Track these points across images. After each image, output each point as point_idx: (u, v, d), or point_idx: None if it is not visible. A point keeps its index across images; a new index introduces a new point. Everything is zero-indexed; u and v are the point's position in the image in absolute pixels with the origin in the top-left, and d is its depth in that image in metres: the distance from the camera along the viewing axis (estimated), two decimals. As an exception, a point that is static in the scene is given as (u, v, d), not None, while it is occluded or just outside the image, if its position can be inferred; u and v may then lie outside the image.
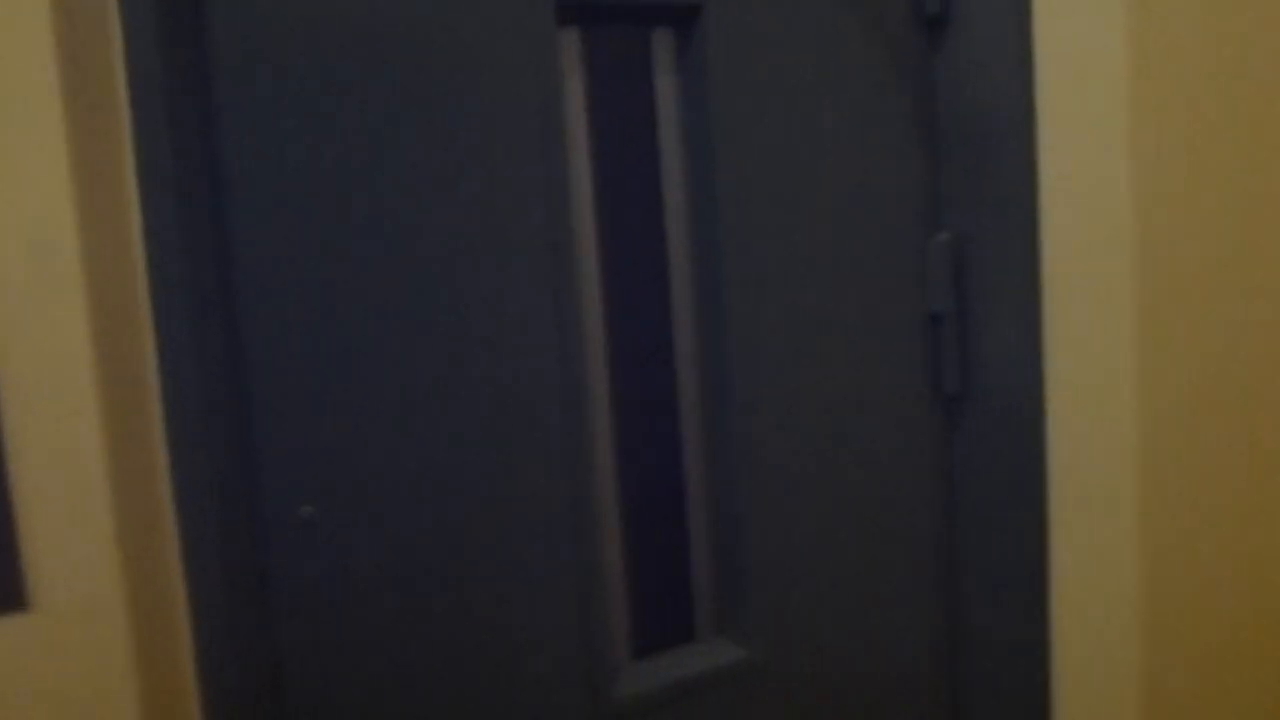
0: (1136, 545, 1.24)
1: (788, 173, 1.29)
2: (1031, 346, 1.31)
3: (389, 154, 1.06)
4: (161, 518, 0.93)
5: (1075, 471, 1.30)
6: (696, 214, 1.28)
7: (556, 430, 1.17)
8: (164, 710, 0.92)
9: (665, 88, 1.27)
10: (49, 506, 0.86)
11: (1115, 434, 1.24)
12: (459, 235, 1.10)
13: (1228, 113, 1.24)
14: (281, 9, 1.00)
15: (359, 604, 1.08)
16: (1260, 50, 1.25)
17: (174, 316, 0.93)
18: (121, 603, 0.88)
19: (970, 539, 1.44)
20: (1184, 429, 1.25)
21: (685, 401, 1.32)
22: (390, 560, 1.09)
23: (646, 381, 1.29)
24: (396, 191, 1.07)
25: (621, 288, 1.26)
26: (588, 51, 1.21)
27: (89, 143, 0.87)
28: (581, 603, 1.20)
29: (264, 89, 1.00)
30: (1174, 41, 1.19)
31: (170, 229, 0.92)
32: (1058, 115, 1.25)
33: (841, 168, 1.32)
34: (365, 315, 1.06)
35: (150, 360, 0.93)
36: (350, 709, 1.08)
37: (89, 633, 0.87)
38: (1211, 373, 1.27)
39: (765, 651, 1.32)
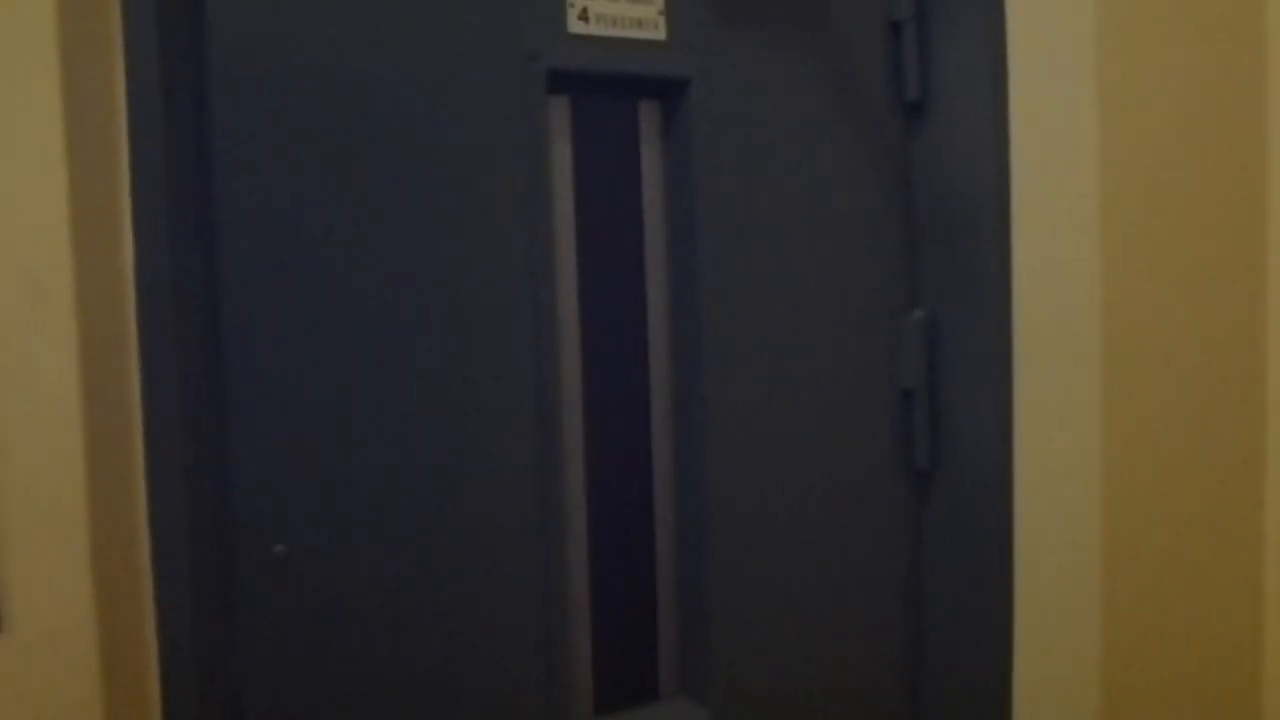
0: (1100, 625, 1.26)
1: (766, 246, 1.33)
2: (1001, 423, 1.34)
3: (379, 207, 1.11)
4: (137, 550, 0.95)
5: (1042, 549, 1.32)
6: (676, 280, 1.32)
7: (529, 484, 1.19)
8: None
9: (650, 156, 1.32)
10: (27, 533, 0.88)
11: (1081, 510, 1.27)
12: (444, 289, 1.14)
13: (1196, 199, 1.29)
14: (280, 67, 1.05)
15: (324, 641, 1.09)
16: (1228, 139, 1.30)
17: (159, 357, 0.96)
18: (93, 629, 0.90)
19: (937, 612, 1.45)
20: (1150, 506, 1.28)
21: (658, 462, 1.35)
22: (357, 601, 1.11)
23: (621, 440, 1.32)
24: (383, 243, 1.11)
25: (600, 348, 1.29)
26: (576, 119, 1.26)
27: (88, 188, 0.91)
28: (547, 656, 1.21)
29: (259, 141, 1.04)
30: (1145, 132, 1.24)
31: (160, 275, 0.96)
32: (1031, 199, 1.30)
33: (818, 243, 1.37)
34: (345, 367, 1.09)
35: (135, 397, 0.96)
36: (311, 750, 1.09)
37: (60, 656, 0.89)
38: (1178, 449, 1.30)
39: (728, 711, 1.33)
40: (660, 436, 1.35)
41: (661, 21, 1.25)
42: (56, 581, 0.89)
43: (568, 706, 1.24)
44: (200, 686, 0.99)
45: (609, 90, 1.28)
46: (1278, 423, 1.35)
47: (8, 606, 0.88)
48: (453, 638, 1.16)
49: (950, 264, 1.40)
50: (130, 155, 0.94)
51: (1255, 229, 1.32)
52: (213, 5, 1.02)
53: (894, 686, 1.46)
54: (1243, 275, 1.32)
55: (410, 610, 1.14)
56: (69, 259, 0.89)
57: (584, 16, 1.20)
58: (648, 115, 1.32)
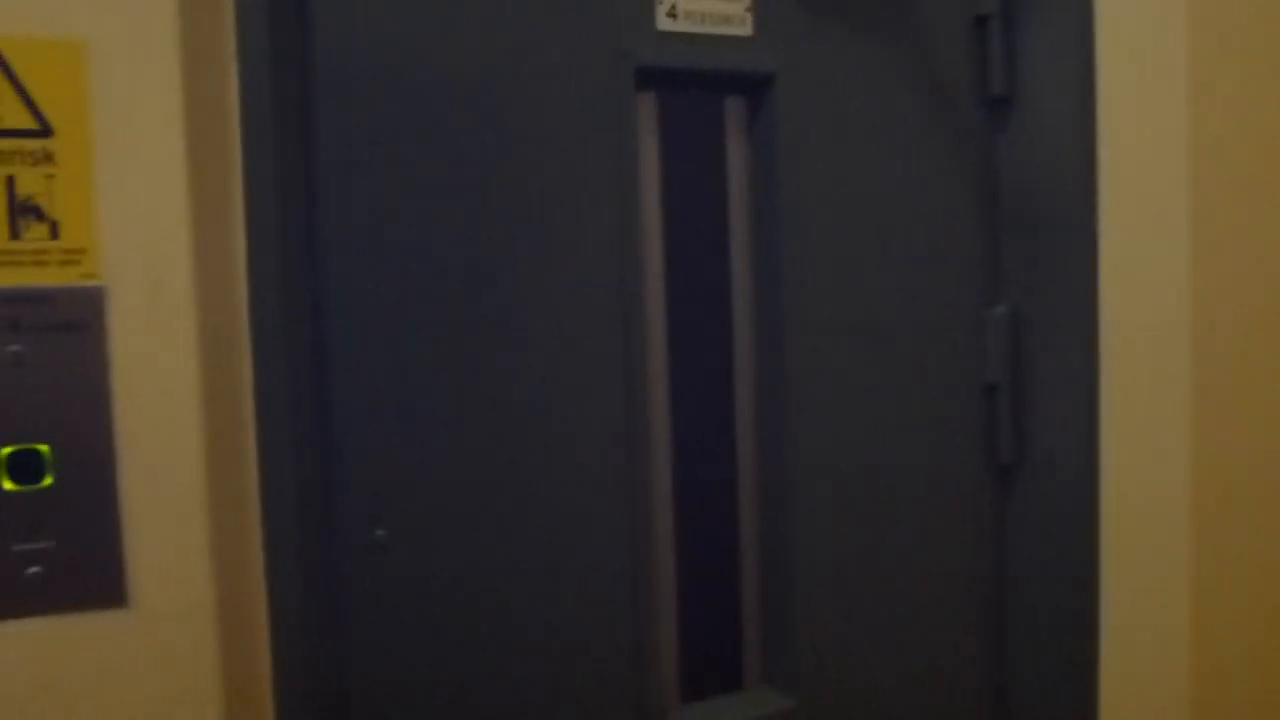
0: (1190, 622, 1.25)
1: (851, 241, 1.34)
2: (1086, 419, 1.34)
3: (473, 203, 1.13)
4: (250, 533, 0.99)
5: (1129, 545, 1.31)
6: (761, 275, 1.34)
7: (618, 476, 1.21)
8: (242, 709, 0.97)
9: (736, 152, 1.34)
10: (151, 515, 0.92)
11: (1170, 508, 1.26)
12: (536, 283, 1.17)
13: (1285, 197, 1.27)
14: (380, 70, 1.08)
15: (421, 622, 1.12)
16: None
17: (270, 350, 1.00)
18: (212, 608, 0.94)
19: (1021, 606, 1.45)
20: (1242, 503, 1.26)
21: (743, 455, 1.36)
22: (452, 586, 1.14)
23: (706, 432, 1.34)
24: (478, 238, 1.14)
25: (687, 340, 1.31)
26: (663, 115, 1.28)
27: (205, 192, 0.95)
28: (634, 645, 1.23)
29: (360, 141, 1.08)
30: (1238, 124, 1.23)
31: (271, 271, 1.00)
32: (1119, 193, 1.29)
33: (903, 238, 1.37)
34: (442, 361, 1.12)
35: (247, 389, 1.00)
36: (408, 730, 1.12)
37: (181, 633, 0.93)
38: (1270, 447, 1.28)
39: (811, 702, 1.34)
40: (744, 429, 1.36)
41: (749, 18, 1.26)
42: (177, 562, 0.93)
43: (654, 694, 1.26)
44: (308, 661, 1.03)
45: (695, 86, 1.30)
46: (1376, 418, 1.32)
47: (133, 584, 0.92)
48: (542, 626, 1.19)
49: (1035, 258, 1.39)
50: (243, 159, 0.98)
51: (1353, 221, 1.30)
52: (320, 13, 1.05)
53: (978, 681, 1.46)
54: (1340, 268, 1.30)
55: (502, 597, 1.16)
56: (188, 260, 0.93)
57: (673, 13, 1.22)
58: (733, 110, 1.33)
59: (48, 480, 0.89)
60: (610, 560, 1.22)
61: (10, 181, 0.87)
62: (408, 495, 1.11)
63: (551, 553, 1.19)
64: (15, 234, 0.87)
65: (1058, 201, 1.35)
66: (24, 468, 0.88)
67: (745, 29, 1.26)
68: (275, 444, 1.00)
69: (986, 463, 1.45)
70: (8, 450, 0.88)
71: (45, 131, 0.87)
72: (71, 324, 0.89)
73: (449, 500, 1.13)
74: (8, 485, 0.88)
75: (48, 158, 0.88)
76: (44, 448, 0.89)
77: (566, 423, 1.19)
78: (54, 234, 0.88)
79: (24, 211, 0.87)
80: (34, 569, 0.89)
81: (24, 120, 0.87)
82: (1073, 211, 1.33)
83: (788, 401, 1.31)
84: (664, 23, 1.22)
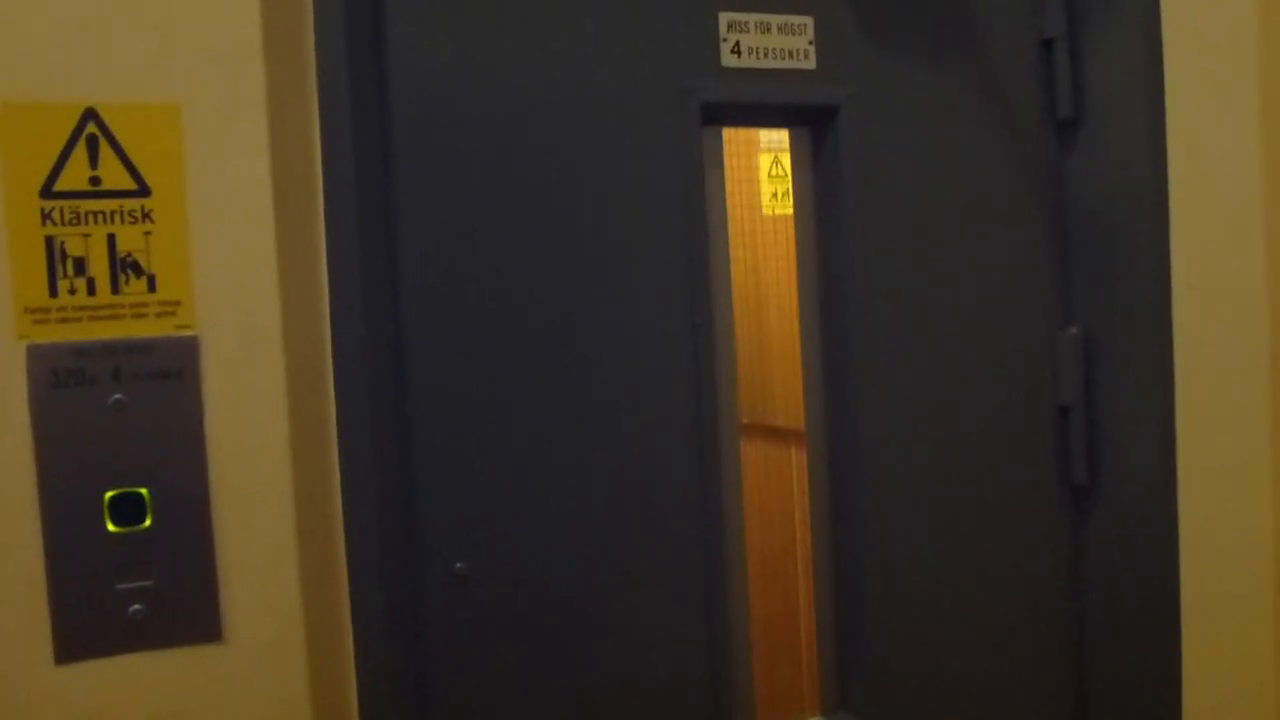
0: (1275, 639, 1.23)
1: (920, 265, 1.34)
2: (1162, 440, 1.32)
3: (545, 236, 1.17)
4: (336, 568, 1.03)
5: (1210, 565, 1.29)
6: (828, 303, 1.35)
7: (692, 507, 1.23)
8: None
9: (801, 182, 1.35)
10: (244, 553, 0.97)
11: (1252, 526, 1.24)
12: (607, 315, 1.20)
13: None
14: (453, 109, 1.12)
15: (502, 650, 1.16)
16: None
17: (353, 387, 1.04)
18: (301, 641, 0.98)
19: (1100, 629, 1.44)
20: (1321, 528, 1.24)
21: (818, 478, 1.37)
22: (533, 614, 1.17)
23: (777, 459, 1.35)
24: (551, 270, 1.17)
25: (756, 370, 1.33)
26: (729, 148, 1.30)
27: (291, 237, 1.00)
28: (711, 671, 1.25)
29: (437, 182, 1.12)
30: (1307, 145, 1.21)
31: (353, 310, 1.04)
32: (1190, 212, 1.28)
33: (972, 262, 1.38)
34: (519, 393, 1.16)
35: (332, 426, 1.04)
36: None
37: (273, 666, 0.97)
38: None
39: (886, 730, 1.35)
40: (817, 456, 1.37)
41: (811, 51, 1.28)
42: (269, 598, 0.97)
43: (730, 720, 1.27)
44: (392, 690, 1.06)
45: (760, 120, 1.32)
46: None
47: (227, 620, 0.96)
48: (620, 652, 1.21)
49: (1106, 279, 1.38)
50: (325, 206, 1.03)
51: None
52: (396, 62, 1.10)
53: (1058, 703, 1.45)
54: None
55: (579, 626, 1.19)
56: (276, 307, 0.97)
57: (736, 50, 1.24)
58: (798, 142, 1.35)
59: (147, 522, 0.94)
60: (686, 588, 1.24)
61: (111, 240, 0.92)
62: (487, 527, 1.14)
63: (628, 580, 1.21)
64: (116, 289, 0.92)
65: (1129, 221, 1.34)
66: (126, 510, 0.93)
67: (809, 63, 1.28)
68: (358, 479, 1.04)
69: (1061, 483, 1.44)
70: (111, 494, 0.93)
71: (143, 191, 0.93)
72: (168, 372, 0.94)
73: (527, 531, 1.16)
74: (111, 528, 0.93)
75: (146, 216, 0.93)
76: (144, 491, 0.94)
77: (642, 453, 1.21)
78: (151, 287, 0.93)
79: (124, 267, 0.92)
80: (136, 607, 0.94)
81: (124, 181, 0.92)
82: (1144, 231, 1.32)
83: (859, 427, 1.32)
84: (728, 59, 1.24)
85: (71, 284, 0.91)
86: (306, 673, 0.98)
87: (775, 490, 1.97)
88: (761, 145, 2.16)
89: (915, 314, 1.34)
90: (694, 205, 1.23)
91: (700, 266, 1.24)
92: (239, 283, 0.96)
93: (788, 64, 1.27)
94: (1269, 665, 1.23)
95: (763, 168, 2.14)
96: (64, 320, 0.91)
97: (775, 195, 2.12)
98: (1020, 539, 1.42)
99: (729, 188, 1.31)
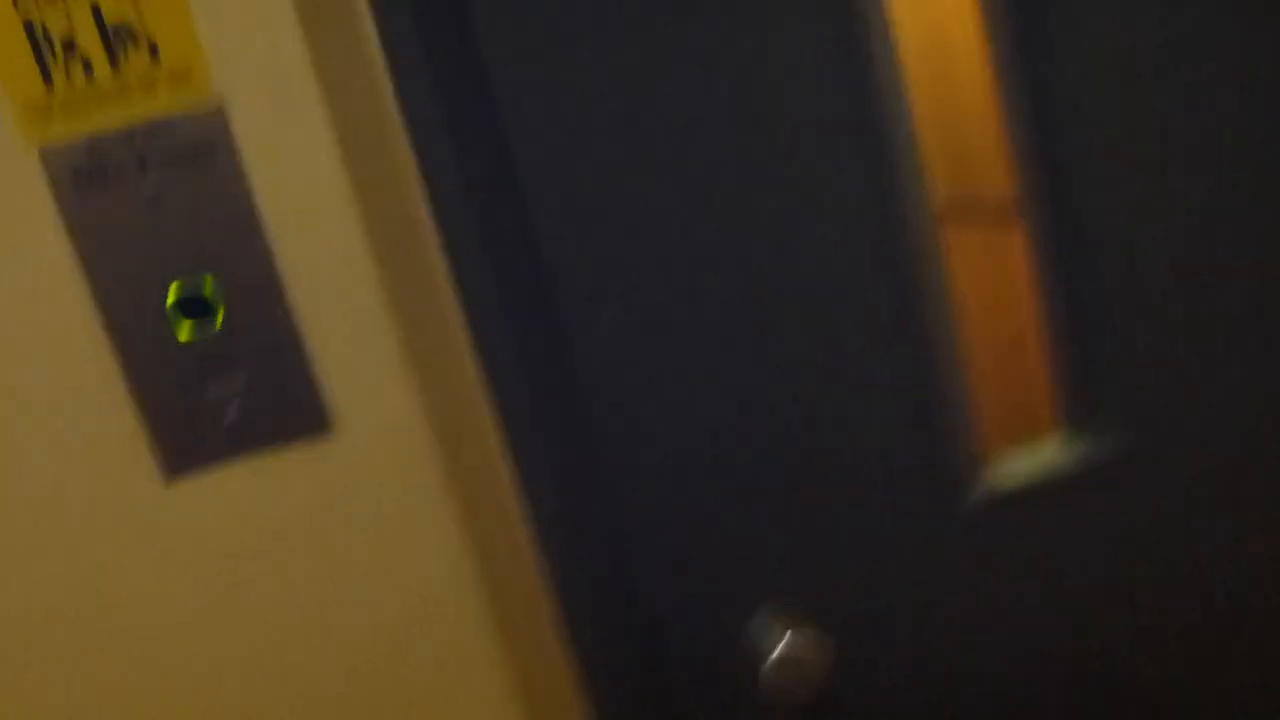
0: None
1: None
2: None
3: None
4: (452, 330, 0.89)
5: None
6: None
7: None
8: (491, 526, 0.89)
9: None
10: (335, 332, 0.85)
11: None
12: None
13: None
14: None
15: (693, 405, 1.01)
16: None
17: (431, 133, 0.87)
18: (421, 420, 0.86)
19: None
20: None
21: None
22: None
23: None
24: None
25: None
26: None
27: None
28: (931, 396, 1.06)
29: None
30: None
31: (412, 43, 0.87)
32: None
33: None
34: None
35: (410, 174, 0.88)
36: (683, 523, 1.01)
37: (393, 450, 0.86)
38: None
39: (1132, 445, 1.13)
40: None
41: None
42: (375, 377, 0.85)
43: (958, 449, 1.09)
44: (551, 447, 0.93)
45: None
46: None
47: (332, 406, 0.85)
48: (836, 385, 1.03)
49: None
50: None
51: None
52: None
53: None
54: None
55: (792, 370, 1.02)
56: (304, 49, 0.83)
57: None
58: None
59: (219, 318, 0.83)
60: (900, 305, 1.04)
61: (97, 11, 0.80)
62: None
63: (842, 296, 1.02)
64: (115, 64, 0.80)
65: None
66: (194, 310, 0.83)
67: None
68: (459, 222, 0.88)
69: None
70: (173, 298, 0.82)
71: (114, -56, 0.80)
72: (198, 150, 0.82)
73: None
74: (183, 337, 0.83)
75: (123, -27, 0.80)
76: (208, 285, 0.83)
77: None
78: (154, 55, 0.81)
79: (119, 38, 0.80)
80: (232, 410, 0.83)
81: (86, -65, 0.79)
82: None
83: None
84: None
85: (66, 69, 0.79)
86: (441, 455, 0.86)
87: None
88: None
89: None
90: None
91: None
92: (255, 35, 0.82)
93: None
94: None
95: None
96: (67, 109, 0.79)
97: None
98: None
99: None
